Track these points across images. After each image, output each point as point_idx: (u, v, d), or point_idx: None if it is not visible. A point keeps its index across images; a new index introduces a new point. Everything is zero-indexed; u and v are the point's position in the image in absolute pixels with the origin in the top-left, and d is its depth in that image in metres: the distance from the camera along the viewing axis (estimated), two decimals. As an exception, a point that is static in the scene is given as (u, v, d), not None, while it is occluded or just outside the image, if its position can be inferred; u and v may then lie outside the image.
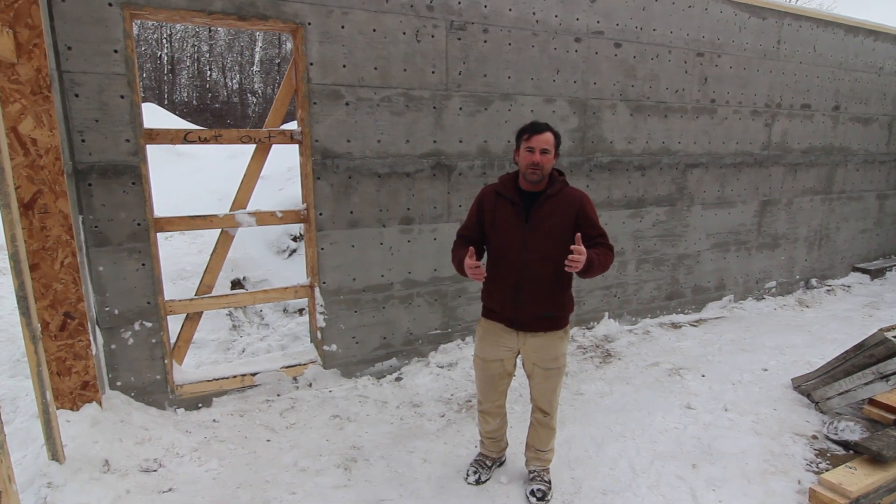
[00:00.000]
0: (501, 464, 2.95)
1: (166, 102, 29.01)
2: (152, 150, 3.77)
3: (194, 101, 31.76)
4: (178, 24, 29.78)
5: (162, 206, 4.13)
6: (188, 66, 33.13)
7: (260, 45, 33.77)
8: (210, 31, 31.97)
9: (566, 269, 2.27)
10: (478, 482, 2.80)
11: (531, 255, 2.43)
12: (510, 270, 2.48)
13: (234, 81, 34.37)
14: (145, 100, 23.63)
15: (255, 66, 34.19)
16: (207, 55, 33.45)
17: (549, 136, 2.41)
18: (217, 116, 29.83)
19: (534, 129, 2.42)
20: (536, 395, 2.66)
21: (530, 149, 2.40)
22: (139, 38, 29.35)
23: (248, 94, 33.95)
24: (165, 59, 31.65)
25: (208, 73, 33.63)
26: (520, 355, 2.65)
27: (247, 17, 3.21)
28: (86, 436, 2.77)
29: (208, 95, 32.69)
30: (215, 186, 7.10)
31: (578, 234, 2.31)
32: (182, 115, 21.78)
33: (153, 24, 30.08)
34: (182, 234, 5.94)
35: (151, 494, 2.64)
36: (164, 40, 31.48)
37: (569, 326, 2.62)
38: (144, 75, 29.84)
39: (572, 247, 2.25)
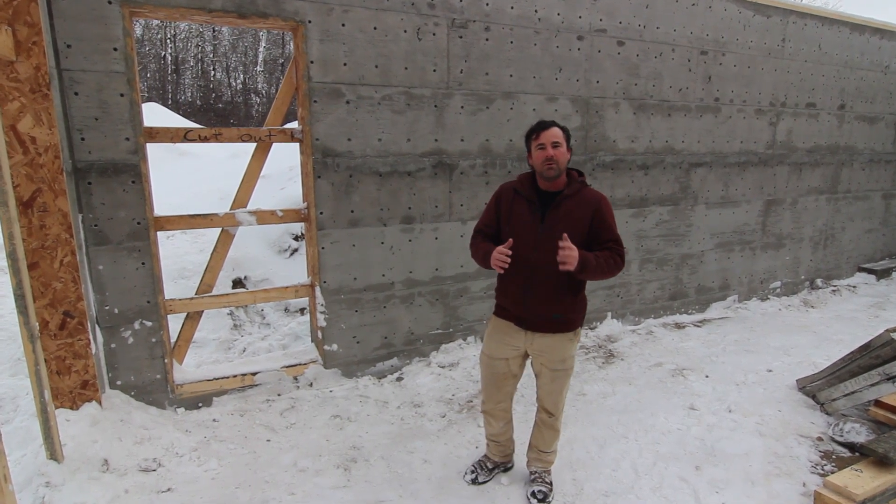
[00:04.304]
0: (507, 469, 2.90)
1: (170, 102, 29.09)
2: (154, 150, 3.77)
3: (198, 101, 31.84)
4: (182, 24, 29.89)
5: (163, 205, 4.13)
6: (192, 66, 33.22)
7: (263, 44, 33.83)
8: (214, 30, 32.06)
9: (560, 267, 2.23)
10: (473, 482, 2.78)
11: (542, 255, 2.39)
12: (521, 269, 2.44)
13: (238, 81, 34.45)
14: (150, 100, 23.73)
15: (258, 66, 34.25)
16: (211, 55, 33.53)
17: (556, 130, 2.39)
18: (221, 116, 29.89)
19: (540, 126, 2.42)
20: (542, 395, 2.63)
21: (541, 146, 2.38)
22: (143, 39, 29.47)
23: (252, 94, 34.02)
24: (169, 59, 31.74)
25: (212, 72, 33.71)
26: (529, 357, 2.62)
27: (247, 15, 3.20)
28: (85, 435, 2.76)
29: (212, 95, 32.76)
30: (217, 186, 7.10)
31: (565, 234, 2.26)
32: (186, 115, 21.83)
33: (157, 25, 30.18)
34: (184, 233, 5.93)
35: (150, 494, 2.62)
36: (168, 40, 31.58)
37: (580, 329, 2.57)
38: (149, 75, 29.94)
39: (560, 242, 2.21)
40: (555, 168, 2.37)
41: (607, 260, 2.35)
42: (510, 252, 2.31)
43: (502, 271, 2.36)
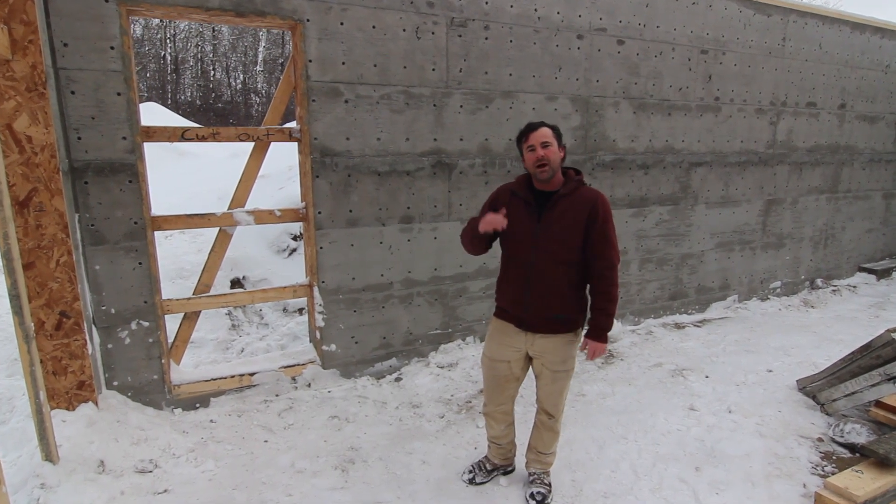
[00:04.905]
0: (507, 472, 2.88)
1: (170, 102, 29.03)
2: (153, 149, 3.75)
3: (198, 101, 31.80)
4: (181, 24, 29.86)
5: (163, 204, 4.11)
6: (192, 66, 33.17)
7: (263, 44, 33.78)
8: (214, 30, 32.02)
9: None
10: (471, 482, 2.77)
11: (541, 255, 2.39)
12: (520, 270, 2.44)
13: (238, 81, 34.40)
14: (149, 99, 23.71)
15: (258, 66, 34.20)
16: (211, 55, 33.49)
17: (544, 130, 2.38)
18: (220, 116, 29.84)
19: (529, 129, 2.42)
20: (542, 396, 2.61)
21: (531, 148, 2.37)
22: (143, 38, 29.43)
23: (252, 94, 33.97)
24: (169, 58, 31.70)
25: (212, 72, 33.67)
26: (532, 359, 2.61)
27: (245, 14, 3.18)
28: (81, 436, 2.75)
29: (212, 95, 32.72)
30: (216, 185, 7.07)
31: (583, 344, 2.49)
32: (185, 115, 21.79)
33: (157, 24, 30.15)
34: (182, 232, 5.91)
35: (146, 496, 2.61)
36: (168, 40, 31.53)
37: (581, 329, 2.55)
38: (148, 75, 29.89)
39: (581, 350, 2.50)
40: (547, 169, 2.36)
41: (610, 296, 2.41)
42: (504, 220, 2.33)
43: (493, 231, 2.38)
